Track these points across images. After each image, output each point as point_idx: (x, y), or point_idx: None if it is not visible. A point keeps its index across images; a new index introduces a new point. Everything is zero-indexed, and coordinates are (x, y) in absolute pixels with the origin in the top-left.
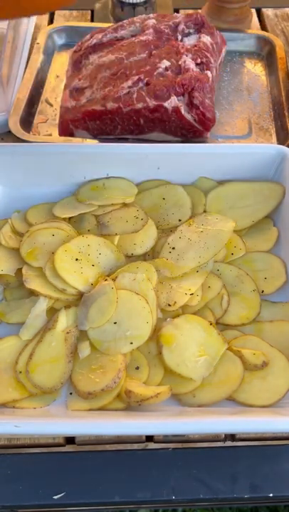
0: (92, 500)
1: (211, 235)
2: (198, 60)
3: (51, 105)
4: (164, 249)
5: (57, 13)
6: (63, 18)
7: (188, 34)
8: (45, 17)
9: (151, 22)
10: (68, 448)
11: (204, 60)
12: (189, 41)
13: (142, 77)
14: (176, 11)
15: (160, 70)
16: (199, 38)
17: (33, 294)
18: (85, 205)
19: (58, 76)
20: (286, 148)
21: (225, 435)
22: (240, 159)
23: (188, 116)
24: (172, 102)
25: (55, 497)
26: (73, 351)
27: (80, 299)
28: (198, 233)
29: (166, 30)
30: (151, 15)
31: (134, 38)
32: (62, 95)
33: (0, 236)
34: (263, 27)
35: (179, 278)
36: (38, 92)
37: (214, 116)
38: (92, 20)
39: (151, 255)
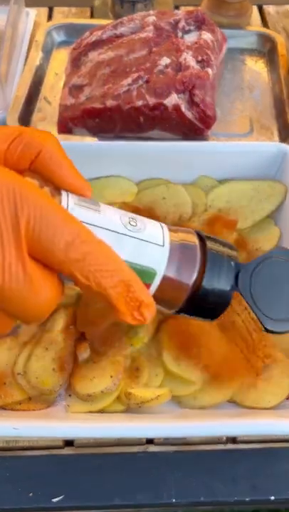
0: (91, 503)
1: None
2: (199, 58)
3: (50, 103)
4: None
5: (56, 10)
6: (62, 15)
7: (189, 31)
8: (44, 14)
9: (151, 19)
10: (67, 450)
11: (205, 57)
12: (190, 38)
13: (142, 75)
14: (177, 7)
15: (160, 67)
16: (200, 35)
17: None
18: None
19: (56, 74)
20: (288, 146)
21: (226, 438)
22: (241, 158)
23: (188, 114)
24: (172, 99)
25: (54, 500)
26: (72, 352)
27: (79, 299)
28: None
29: (167, 28)
30: (151, 12)
31: (133, 35)
32: (61, 93)
33: None
34: (265, 24)
35: None
36: (37, 89)
37: (215, 114)
38: (91, 17)
39: None
